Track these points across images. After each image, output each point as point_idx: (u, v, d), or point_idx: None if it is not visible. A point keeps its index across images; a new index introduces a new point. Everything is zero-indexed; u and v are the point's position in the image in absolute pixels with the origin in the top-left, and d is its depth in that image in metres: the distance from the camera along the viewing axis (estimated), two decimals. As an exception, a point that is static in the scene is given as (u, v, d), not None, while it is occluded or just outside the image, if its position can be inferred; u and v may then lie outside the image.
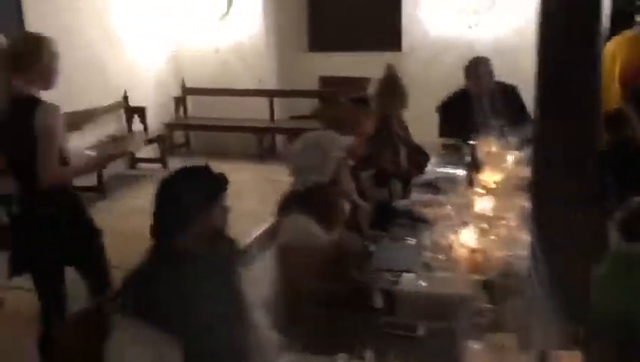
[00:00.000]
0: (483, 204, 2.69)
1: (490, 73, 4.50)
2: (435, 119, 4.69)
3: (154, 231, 1.71)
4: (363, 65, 6.79)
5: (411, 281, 2.22)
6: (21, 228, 2.75)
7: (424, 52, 6.92)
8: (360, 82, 6.49)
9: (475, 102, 4.41)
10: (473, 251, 2.23)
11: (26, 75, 2.62)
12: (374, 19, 7.41)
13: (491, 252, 2.25)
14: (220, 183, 1.73)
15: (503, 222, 2.53)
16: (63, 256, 2.77)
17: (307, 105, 7.46)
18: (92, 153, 2.94)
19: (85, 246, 2.84)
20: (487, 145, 3.53)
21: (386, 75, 4.06)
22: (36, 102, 2.63)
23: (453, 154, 4.12)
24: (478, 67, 4.49)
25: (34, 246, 2.71)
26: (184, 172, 1.75)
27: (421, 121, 4.46)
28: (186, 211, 1.67)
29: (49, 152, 2.59)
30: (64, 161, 2.71)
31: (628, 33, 4.39)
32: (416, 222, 2.92)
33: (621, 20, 4.71)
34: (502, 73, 5.86)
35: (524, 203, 2.39)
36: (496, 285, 2.01)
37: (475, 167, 3.38)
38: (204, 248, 1.69)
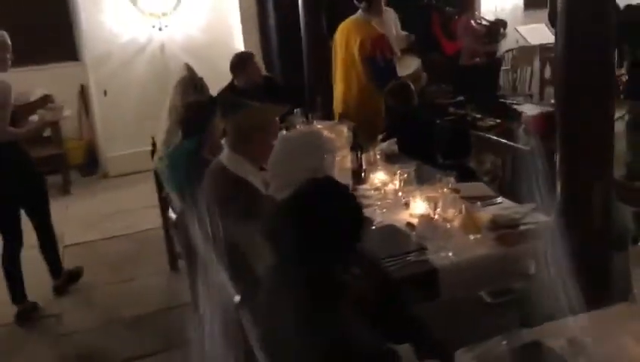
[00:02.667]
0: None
1: (258, 67, 4.64)
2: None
3: None
4: (41, 80, 6.32)
5: (441, 257, 2.34)
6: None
7: (114, 58, 6.54)
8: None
9: (247, 96, 4.51)
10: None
11: None
12: (46, 30, 6.64)
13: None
14: None
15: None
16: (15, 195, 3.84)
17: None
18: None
19: (31, 188, 3.93)
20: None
21: (185, 76, 3.87)
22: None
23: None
24: (245, 63, 4.58)
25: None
26: None
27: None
28: None
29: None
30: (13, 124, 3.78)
31: (354, 17, 5.06)
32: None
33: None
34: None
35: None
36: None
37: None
38: None
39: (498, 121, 5.28)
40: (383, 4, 5.06)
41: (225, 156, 2.80)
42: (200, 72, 4.38)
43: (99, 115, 6.78)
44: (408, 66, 5.37)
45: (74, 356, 3.50)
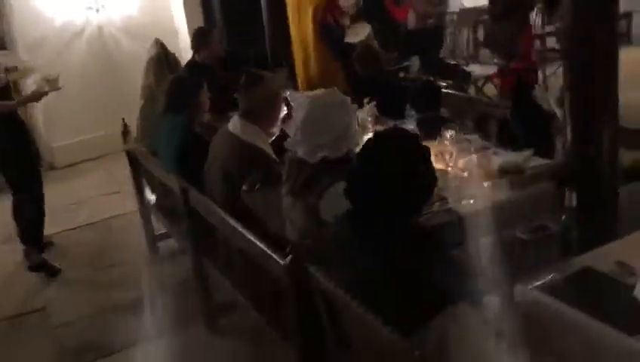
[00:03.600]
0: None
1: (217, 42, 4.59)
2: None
3: None
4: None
5: (462, 205, 2.43)
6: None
7: (50, 43, 6.25)
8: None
9: (210, 71, 4.46)
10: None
11: None
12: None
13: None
14: None
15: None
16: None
17: None
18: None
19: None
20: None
21: (158, 53, 3.81)
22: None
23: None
24: (206, 37, 4.52)
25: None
26: None
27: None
28: None
29: None
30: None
31: None
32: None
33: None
34: (132, 49, 6.02)
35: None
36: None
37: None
38: None
39: (450, 81, 5.47)
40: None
41: (237, 127, 2.80)
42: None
43: (39, 104, 6.43)
44: (358, 33, 5.45)
45: (72, 348, 3.39)
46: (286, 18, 4.77)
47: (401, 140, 1.74)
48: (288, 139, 2.40)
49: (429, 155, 1.74)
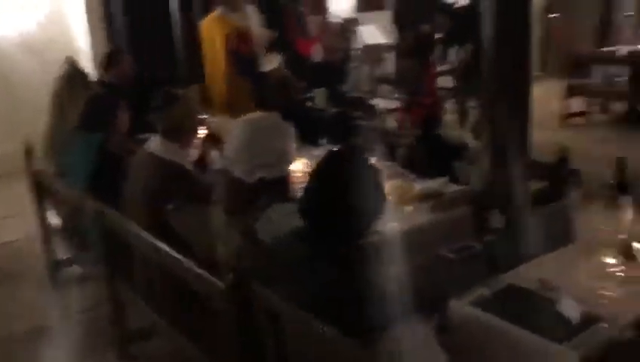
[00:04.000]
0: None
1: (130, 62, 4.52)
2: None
3: None
4: None
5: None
6: None
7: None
8: None
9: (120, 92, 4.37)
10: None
11: None
12: None
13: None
14: None
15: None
16: None
17: None
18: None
19: None
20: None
21: (70, 70, 3.69)
22: None
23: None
24: (117, 57, 4.44)
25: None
26: None
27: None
28: None
29: None
30: None
31: (216, 13, 5.15)
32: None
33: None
34: (29, 67, 5.82)
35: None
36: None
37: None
38: None
39: (357, 113, 5.65)
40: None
41: (157, 147, 2.75)
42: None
43: None
44: (270, 62, 5.53)
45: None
46: (199, 42, 4.75)
47: (354, 159, 1.80)
48: (224, 159, 2.40)
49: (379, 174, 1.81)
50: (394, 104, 6.22)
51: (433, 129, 4.18)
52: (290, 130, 2.42)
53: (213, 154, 3.41)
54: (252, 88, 5.16)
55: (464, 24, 6.61)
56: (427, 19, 6.49)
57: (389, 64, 7.63)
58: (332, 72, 6.22)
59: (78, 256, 3.54)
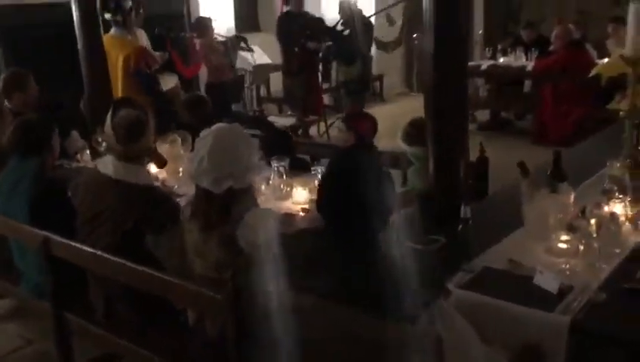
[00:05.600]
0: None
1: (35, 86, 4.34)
2: None
3: None
4: None
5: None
6: None
7: None
8: None
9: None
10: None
11: None
12: None
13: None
14: None
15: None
16: None
17: None
18: None
19: None
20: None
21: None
22: None
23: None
24: (23, 82, 4.27)
25: None
26: None
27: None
28: None
29: None
30: None
31: (111, 34, 5.08)
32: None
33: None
34: None
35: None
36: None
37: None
38: None
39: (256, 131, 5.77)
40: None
41: (119, 170, 2.66)
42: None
43: None
44: (167, 82, 5.51)
45: None
46: (106, 65, 4.60)
47: (364, 156, 1.94)
48: (192, 171, 2.42)
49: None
50: (289, 121, 6.41)
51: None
52: (254, 141, 2.50)
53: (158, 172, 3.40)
54: (155, 107, 5.12)
55: (345, 44, 6.98)
56: (311, 38, 6.75)
57: (276, 83, 7.83)
58: (224, 92, 6.29)
59: (8, 290, 3.30)
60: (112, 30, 5.12)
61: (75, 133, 4.38)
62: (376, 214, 1.84)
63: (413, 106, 7.86)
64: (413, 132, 3.45)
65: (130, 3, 5.02)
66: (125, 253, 2.47)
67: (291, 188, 3.14)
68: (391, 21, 9.33)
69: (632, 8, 2.76)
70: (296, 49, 6.56)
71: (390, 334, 1.66)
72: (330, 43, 6.97)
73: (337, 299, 1.76)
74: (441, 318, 1.70)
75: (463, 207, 2.54)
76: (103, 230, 2.63)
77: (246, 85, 6.97)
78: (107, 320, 2.78)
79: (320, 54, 7.04)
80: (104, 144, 3.94)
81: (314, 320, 1.83)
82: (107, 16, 5.05)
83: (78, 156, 4.08)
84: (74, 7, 4.37)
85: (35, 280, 3.01)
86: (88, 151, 4.05)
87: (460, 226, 2.53)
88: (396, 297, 1.71)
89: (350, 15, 7.03)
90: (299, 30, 6.56)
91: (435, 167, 2.83)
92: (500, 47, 7.99)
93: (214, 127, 2.50)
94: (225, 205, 2.35)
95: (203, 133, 2.43)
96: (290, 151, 3.70)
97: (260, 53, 7.42)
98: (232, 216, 2.35)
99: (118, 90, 4.98)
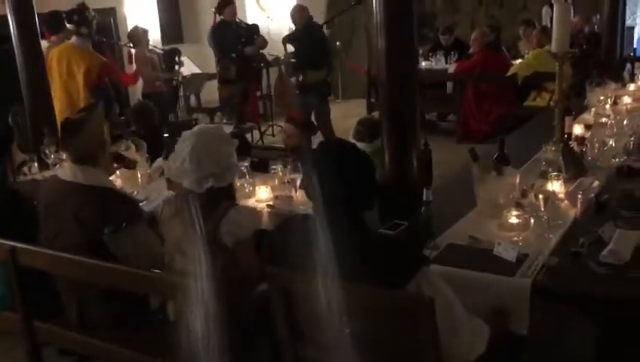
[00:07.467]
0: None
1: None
2: None
3: None
4: None
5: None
6: None
7: None
8: None
9: None
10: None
11: None
12: None
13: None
14: None
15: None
16: None
17: None
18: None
19: None
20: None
21: None
22: None
23: None
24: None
25: None
26: None
27: None
28: None
29: None
30: None
31: (71, 43, 5.08)
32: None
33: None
34: None
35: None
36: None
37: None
38: None
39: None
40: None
41: (76, 175, 2.68)
42: None
43: None
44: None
45: None
46: (46, 77, 4.54)
47: (346, 146, 2.10)
48: (172, 171, 2.50)
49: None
50: (227, 130, 6.47)
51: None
52: (234, 141, 2.62)
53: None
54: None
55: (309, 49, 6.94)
56: (248, 44, 6.84)
57: (207, 93, 7.87)
58: (160, 101, 6.32)
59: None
60: (74, 39, 5.09)
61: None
62: (363, 195, 2.01)
63: (344, 112, 8.21)
64: (362, 129, 3.69)
65: (93, 14, 5.00)
66: (92, 256, 2.51)
67: (254, 187, 3.26)
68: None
69: (556, 7, 3.06)
70: (233, 55, 6.62)
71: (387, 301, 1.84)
72: (292, 50, 6.90)
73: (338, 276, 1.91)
74: (427, 282, 1.89)
75: (425, 191, 2.76)
76: (66, 235, 2.65)
77: (180, 95, 7.00)
78: (81, 324, 2.79)
79: (255, 64, 7.11)
80: (52, 156, 3.95)
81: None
82: (70, 27, 5.04)
83: (25, 169, 4.02)
84: (10, 20, 4.32)
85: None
86: (36, 164, 4.00)
87: (423, 208, 2.75)
88: (388, 268, 1.90)
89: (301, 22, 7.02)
90: (234, 37, 6.64)
91: (393, 159, 3.05)
92: (420, 51, 8.37)
93: (196, 127, 2.60)
94: (207, 203, 2.45)
95: (184, 134, 2.52)
96: (247, 153, 3.82)
97: (188, 62, 7.48)
98: (215, 214, 2.46)
99: (80, 100, 4.95)
